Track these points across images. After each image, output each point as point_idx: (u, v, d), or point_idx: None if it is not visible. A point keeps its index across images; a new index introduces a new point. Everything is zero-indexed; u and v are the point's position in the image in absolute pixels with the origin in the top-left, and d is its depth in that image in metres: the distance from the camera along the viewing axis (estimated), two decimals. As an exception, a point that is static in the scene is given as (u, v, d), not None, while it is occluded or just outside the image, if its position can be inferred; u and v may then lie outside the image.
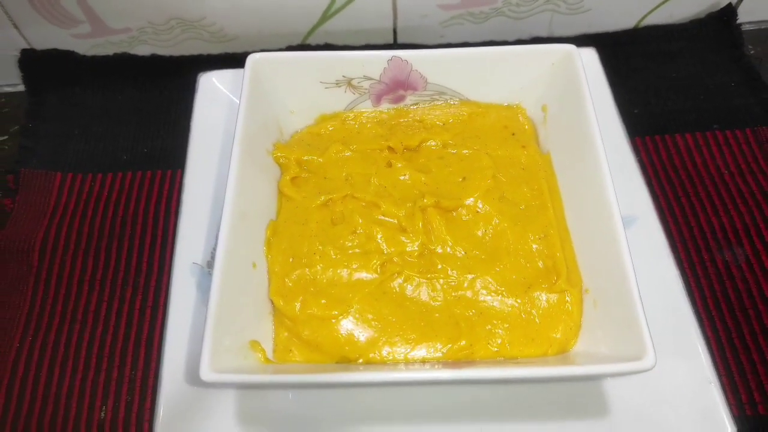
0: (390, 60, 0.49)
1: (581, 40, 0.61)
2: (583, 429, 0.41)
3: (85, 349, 0.47)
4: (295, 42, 0.63)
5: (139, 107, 0.61)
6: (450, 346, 0.41)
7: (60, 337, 0.48)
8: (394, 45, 0.64)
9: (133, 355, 0.47)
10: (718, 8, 0.63)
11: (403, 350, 0.41)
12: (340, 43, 0.63)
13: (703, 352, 0.42)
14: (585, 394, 0.42)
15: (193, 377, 0.42)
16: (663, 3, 0.63)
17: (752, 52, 0.63)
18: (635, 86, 0.60)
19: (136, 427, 0.44)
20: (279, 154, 0.49)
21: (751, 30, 0.65)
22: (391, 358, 0.41)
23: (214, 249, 0.40)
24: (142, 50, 0.63)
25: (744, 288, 0.49)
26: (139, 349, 0.47)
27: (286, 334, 0.43)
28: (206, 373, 0.35)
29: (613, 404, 0.41)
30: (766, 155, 0.55)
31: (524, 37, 0.64)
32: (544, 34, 0.64)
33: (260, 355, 0.41)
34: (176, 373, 0.42)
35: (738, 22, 0.62)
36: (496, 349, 0.41)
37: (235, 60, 0.50)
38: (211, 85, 0.55)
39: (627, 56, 0.62)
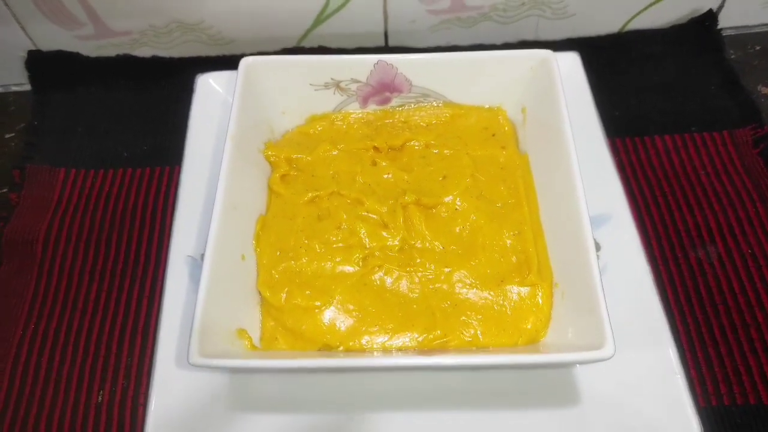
0: (376, 63, 0.50)
1: (566, 44, 0.63)
2: (554, 417, 0.42)
3: (84, 336, 0.49)
4: (290, 45, 0.65)
5: (139, 106, 0.62)
6: (425, 335, 0.42)
7: (61, 324, 0.50)
8: (386, 48, 0.65)
9: (129, 342, 0.49)
10: (700, 13, 0.64)
11: (381, 339, 0.42)
12: (333, 46, 0.64)
13: (670, 345, 0.43)
14: (556, 384, 0.43)
15: (184, 363, 0.43)
16: (646, 8, 0.64)
17: (732, 56, 0.64)
18: (617, 89, 0.61)
19: (131, 410, 0.46)
20: (270, 152, 0.50)
21: (731, 35, 0.66)
22: (369, 346, 0.42)
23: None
24: (144, 52, 0.65)
25: (715, 284, 0.50)
26: (135, 337, 0.49)
27: (272, 323, 0.44)
28: (194, 357, 0.37)
29: (582, 393, 0.42)
30: (743, 157, 0.56)
31: (511, 40, 0.65)
32: (530, 38, 0.66)
33: (246, 342, 0.42)
34: (169, 359, 0.44)
35: (719, 27, 0.64)
36: (469, 339, 0.42)
37: (232, 62, 0.51)
38: (208, 86, 0.56)
39: (610, 60, 0.63)
